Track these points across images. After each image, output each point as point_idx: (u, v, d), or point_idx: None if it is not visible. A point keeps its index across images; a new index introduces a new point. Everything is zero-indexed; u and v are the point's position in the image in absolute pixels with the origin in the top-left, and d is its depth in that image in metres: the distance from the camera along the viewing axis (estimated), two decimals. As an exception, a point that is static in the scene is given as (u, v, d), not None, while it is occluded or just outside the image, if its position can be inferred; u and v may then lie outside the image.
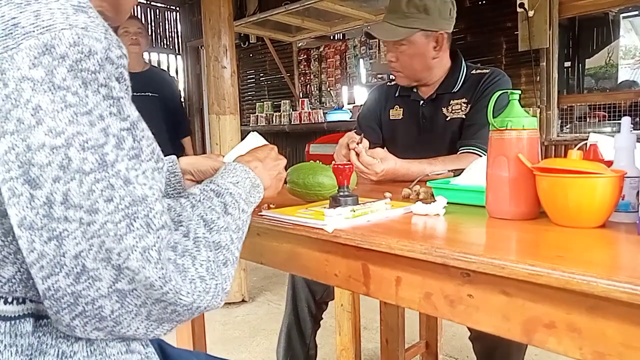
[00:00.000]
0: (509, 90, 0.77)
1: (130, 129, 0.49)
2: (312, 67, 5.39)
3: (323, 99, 5.36)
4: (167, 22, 6.14)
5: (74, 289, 0.46)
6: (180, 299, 0.49)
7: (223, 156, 0.97)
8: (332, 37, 5.32)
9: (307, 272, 0.81)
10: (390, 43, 1.42)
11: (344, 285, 0.75)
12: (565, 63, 3.67)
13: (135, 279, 0.46)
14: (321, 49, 5.35)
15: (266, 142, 1.02)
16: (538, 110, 3.24)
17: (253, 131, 1.07)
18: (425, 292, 0.63)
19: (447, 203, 0.81)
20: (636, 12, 3.70)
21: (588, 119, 3.33)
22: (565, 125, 3.38)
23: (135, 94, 0.52)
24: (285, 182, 0.99)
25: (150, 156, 0.51)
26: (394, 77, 1.50)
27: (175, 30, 6.22)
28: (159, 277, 0.47)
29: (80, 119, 0.45)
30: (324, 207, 0.85)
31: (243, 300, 2.81)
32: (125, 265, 0.46)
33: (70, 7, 0.47)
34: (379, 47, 4.87)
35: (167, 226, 0.50)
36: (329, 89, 5.33)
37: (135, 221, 0.46)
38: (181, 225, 0.55)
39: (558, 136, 3.32)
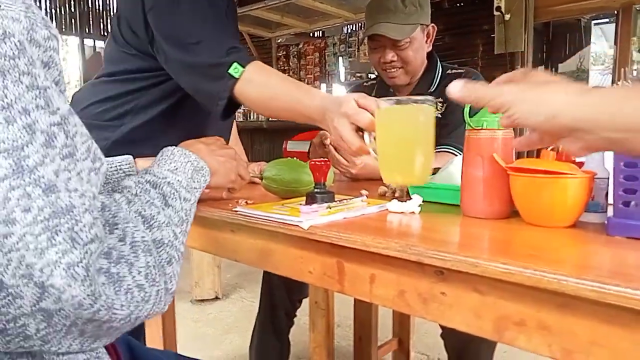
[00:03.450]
0: (485, 91, 0.77)
1: (61, 123, 0.43)
2: (291, 63, 5.38)
3: (301, 96, 5.35)
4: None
5: None
6: (115, 315, 0.44)
7: None
8: (311, 34, 5.31)
9: (282, 269, 0.80)
10: (389, 42, 1.42)
11: (318, 283, 0.75)
12: (539, 67, 3.76)
13: (62, 297, 0.41)
14: (300, 46, 5.34)
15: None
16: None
17: None
18: (399, 289, 0.63)
19: (423, 201, 0.81)
20: (607, 20, 3.82)
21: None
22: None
23: None
24: (261, 178, 0.98)
25: (86, 155, 0.46)
26: (392, 77, 1.49)
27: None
28: (87, 296, 0.42)
29: None
30: (300, 204, 0.84)
31: (216, 298, 2.78)
32: (50, 282, 0.40)
33: None
34: (358, 45, 4.89)
35: (98, 238, 0.44)
36: (307, 86, 5.32)
37: (57, 234, 0.41)
38: (116, 228, 0.49)
39: (531, 138, 3.40)
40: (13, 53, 0.40)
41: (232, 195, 0.90)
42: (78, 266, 0.41)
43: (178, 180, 0.61)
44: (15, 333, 0.43)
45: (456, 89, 0.56)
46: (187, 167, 0.63)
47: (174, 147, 0.66)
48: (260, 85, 0.96)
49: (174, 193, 0.58)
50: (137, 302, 0.46)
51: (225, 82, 0.95)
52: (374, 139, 0.77)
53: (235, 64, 0.95)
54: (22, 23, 0.41)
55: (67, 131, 0.43)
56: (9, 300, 0.41)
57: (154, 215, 0.54)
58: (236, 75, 0.94)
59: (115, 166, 0.81)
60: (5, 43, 0.39)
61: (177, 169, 0.62)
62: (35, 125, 0.40)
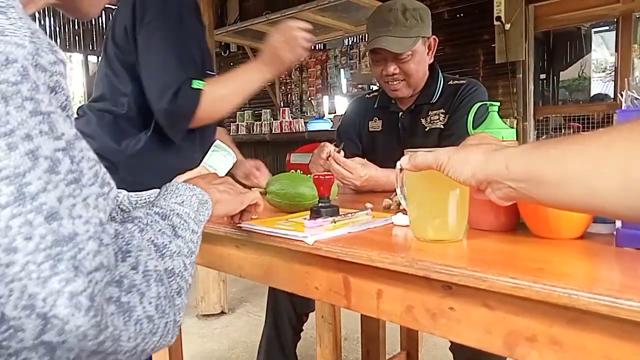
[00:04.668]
0: (488, 102, 0.77)
1: (66, 149, 0.42)
2: (293, 76, 5.41)
3: (304, 109, 5.37)
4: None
5: None
6: (121, 347, 0.43)
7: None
8: (313, 47, 5.34)
9: (288, 285, 0.79)
10: (391, 55, 1.42)
11: (324, 299, 0.74)
12: (540, 75, 3.76)
13: (65, 329, 0.40)
14: (302, 59, 5.37)
15: (232, 152, 1.00)
16: (515, 122, 3.31)
17: (218, 140, 1.06)
18: (406, 304, 0.63)
19: (428, 214, 0.80)
20: (607, 27, 3.83)
21: (563, 130, 3.41)
22: (541, 136, 3.46)
23: None
24: (265, 193, 0.98)
25: (94, 180, 0.45)
26: (394, 89, 1.49)
27: None
28: (92, 326, 0.41)
29: (0, 142, 0.38)
30: (305, 218, 0.84)
31: (222, 312, 2.77)
32: (52, 313, 0.39)
33: None
34: (359, 57, 4.92)
35: (104, 267, 0.43)
36: (310, 99, 5.35)
37: (59, 263, 0.40)
38: (129, 256, 0.48)
39: (534, 147, 3.39)
40: (16, 79, 0.40)
41: (249, 216, 0.83)
42: (81, 295, 0.41)
43: (186, 212, 0.61)
44: None
45: (403, 163, 0.66)
46: (193, 200, 0.63)
47: (177, 182, 0.67)
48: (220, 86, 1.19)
49: (183, 224, 0.58)
50: (145, 334, 0.45)
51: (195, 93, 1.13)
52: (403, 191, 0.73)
53: (194, 80, 1.13)
54: (26, 48, 0.41)
55: (73, 156, 0.43)
56: (10, 333, 0.40)
57: (165, 244, 0.53)
58: (200, 86, 1.13)
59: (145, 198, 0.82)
60: (8, 69, 0.39)
61: (183, 202, 0.62)
62: (38, 152, 0.40)
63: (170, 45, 1.12)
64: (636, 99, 0.61)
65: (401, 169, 0.69)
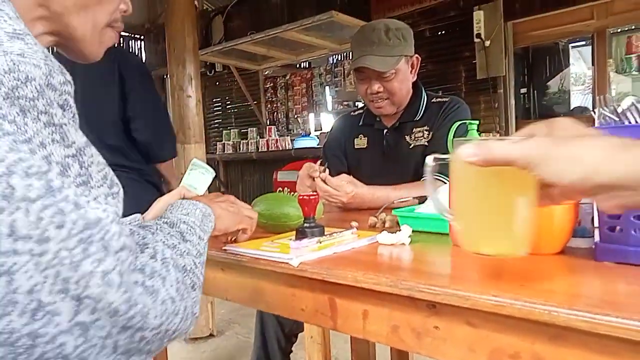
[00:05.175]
0: (467, 121, 0.79)
1: (75, 155, 0.47)
2: (278, 94, 5.44)
3: (290, 126, 5.40)
4: (131, 50, 6.09)
5: (30, 329, 0.43)
6: (147, 323, 0.48)
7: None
8: (298, 66, 5.40)
9: (274, 307, 0.79)
10: (375, 74, 1.45)
11: (311, 320, 0.74)
12: (521, 89, 3.84)
13: (98, 307, 0.45)
14: (287, 77, 5.42)
15: (210, 169, 1.00)
16: (497, 135, 3.36)
17: (195, 159, 1.05)
18: (392, 324, 0.63)
19: (413, 231, 0.81)
20: (583, 42, 3.94)
21: (545, 143, 3.47)
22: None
23: None
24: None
25: (102, 182, 0.49)
26: (379, 107, 1.51)
27: (140, 58, 6.17)
28: (124, 301, 0.46)
29: (20, 147, 0.42)
30: (290, 239, 0.84)
31: (211, 335, 2.72)
32: (85, 294, 0.44)
33: (4, 34, 0.46)
34: (344, 75, 4.97)
35: (127, 247, 0.48)
36: (296, 116, 5.38)
37: (91, 245, 0.44)
38: (147, 248, 0.53)
39: (518, 160, 3.44)
40: (33, 95, 0.44)
41: (246, 237, 0.86)
42: (112, 272, 0.45)
43: (192, 220, 0.65)
44: (54, 355, 0.44)
45: (468, 154, 0.47)
46: (197, 212, 0.67)
47: (179, 200, 0.71)
48: None
49: (190, 229, 0.62)
50: (169, 313, 0.50)
51: None
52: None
53: None
54: (42, 69, 0.46)
55: (82, 162, 0.47)
56: (47, 319, 0.43)
57: (175, 245, 0.58)
58: None
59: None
60: (27, 86, 0.44)
61: (189, 213, 0.66)
62: (51, 157, 0.44)
63: None
64: (608, 116, 0.63)
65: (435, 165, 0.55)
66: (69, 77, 0.49)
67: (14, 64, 0.44)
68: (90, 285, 0.44)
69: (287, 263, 0.71)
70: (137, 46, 6.13)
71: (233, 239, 0.85)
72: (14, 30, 0.47)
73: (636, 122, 0.59)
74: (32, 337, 0.43)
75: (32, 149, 0.43)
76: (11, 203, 0.42)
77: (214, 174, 1.01)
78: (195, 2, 4.71)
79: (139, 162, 1.80)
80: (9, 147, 0.42)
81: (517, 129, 3.47)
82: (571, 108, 4.48)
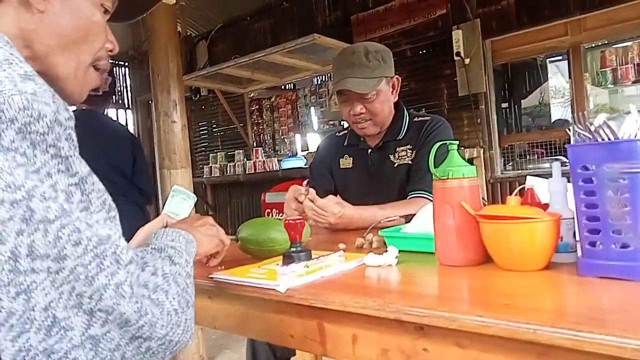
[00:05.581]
0: (447, 142, 0.80)
1: (78, 184, 0.50)
2: (264, 116, 5.46)
3: (277, 147, 5.40)
4: (116, 76, 6.09)
5: (45, 345, 0.45)
6: (155, 332, 0.51)
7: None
8: (282, 87, 5.44)
9: (262, 334, 0.78)
10: (356, 96, 1.46)
11: (300, 347, 0.73)
12: (502, 104, 3.91)
13: (109, 319, 0.48)
14: (272, 99, 5.45)
15: (192, 194, 1.00)
16: (482, 150, 3.41)
17: (176, 185, 1.05)
18: (381, 348, 0.62)
19: (399, 251, 0.81)
20: (560, 57, 4.05)
21: (528, 156, 3.52)
22: (507, 163, 3.56)
23: None
24: (237, 240, 0.97)
25: (101, 207, 0.52)
26: (362, 128, 1.53)
27: (124, 84, 6.17)
28: (135, 311, 0.49)
29: (32, 176, 0.46)
30: (277, 265, 0.84)
31: (202, 362, 2.66)
32: (98, 307, 0.47)
33: (17, 76, 0.50)
34: (328, 95, 5.02)
35: (134, 261, 0.52)
36: (282, 137, 5.39)
37: (105, 259, 0.48)
38: (147, 266, 0.56)
39: (502, 174, 3.49)
40: (44, 130, 0.48)
41: (217, 262, 0.88)
42: (124, 284, 0.49)
43: (179, 245, 0.67)
44: None
45: None
46: (181, 239, 0.69)
47: (163, 228, 0.73)
48: None
49: (178, 254, 0.64)
50: (173, 324, 0.53)
51: None
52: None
53: None
54: (51, 107, 0.50)
55: (84, 189, 0.51)
56: (61, 334, 0.46)
57: (164, 268, 0.60)
58: None
59: None
60: (39, 122, 0.48)
61: (174, 240, 0.68)
62: (57, 186, 0.48)
63: None
64: (582, 133, 0.64)
65: None
66: (71, 113, 0.53)
67: (28, 102, 0.48)
68: (104, 298, 0.47)
69: (274, 289, 0.71)
70: (122, 72, 6.14)
71: (207, 262, 0.87)
72: (25, 72, 0.51)
73: (608, 139, 0.61)
74: (47, 353, 0.45)
75: (41, 179, 0.47)
76: (30, 225, 0.45)
77: (195, 199, 1.01)
78: (179, 28, 4.76)
79: None
80: (25, 176, 0.46)
81: (500, 143, 3.52)
82: (552, 120, 4.57)
